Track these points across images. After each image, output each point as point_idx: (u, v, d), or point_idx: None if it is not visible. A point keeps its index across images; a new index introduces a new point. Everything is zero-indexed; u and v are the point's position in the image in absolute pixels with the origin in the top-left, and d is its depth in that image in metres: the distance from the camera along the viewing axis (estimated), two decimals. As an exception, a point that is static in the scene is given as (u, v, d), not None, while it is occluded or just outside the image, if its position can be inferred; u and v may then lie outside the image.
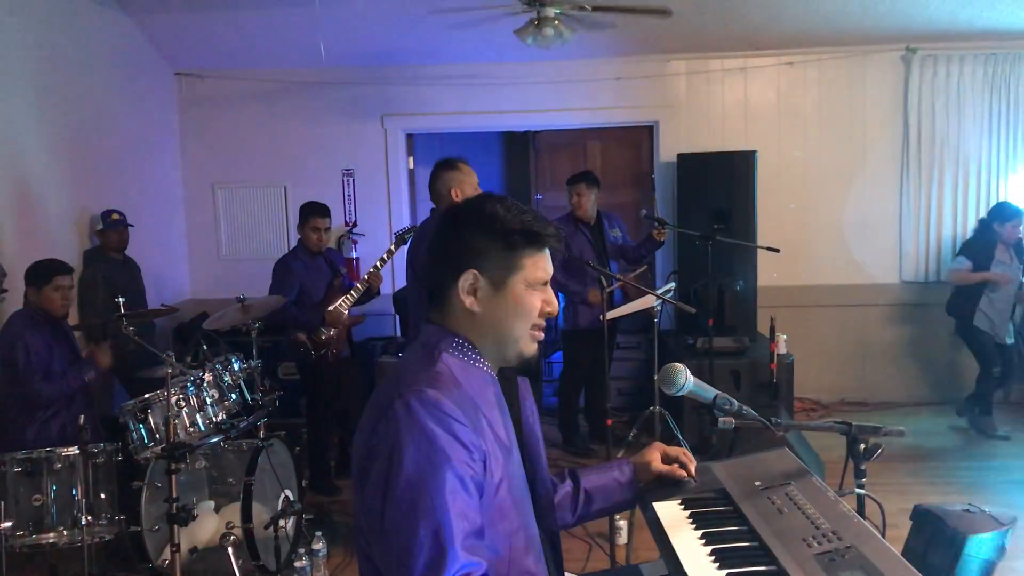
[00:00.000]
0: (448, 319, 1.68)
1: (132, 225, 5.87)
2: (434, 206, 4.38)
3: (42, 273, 4.39)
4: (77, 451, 3.97)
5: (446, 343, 1.65)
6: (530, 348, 1.71)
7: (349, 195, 7.27)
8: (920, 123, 6.93)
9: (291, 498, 4.33)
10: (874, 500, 1.92)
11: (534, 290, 1.68)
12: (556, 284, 5.85)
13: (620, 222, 6.28)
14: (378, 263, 5.27)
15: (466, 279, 1.64)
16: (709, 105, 7.12)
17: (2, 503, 3.86)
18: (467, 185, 4.08)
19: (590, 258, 5.75)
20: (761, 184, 6.63)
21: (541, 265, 1.68)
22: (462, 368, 1.63)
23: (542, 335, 1.73)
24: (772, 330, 5.71)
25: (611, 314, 5.08)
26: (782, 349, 6.02)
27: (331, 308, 5.27)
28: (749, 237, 6.30)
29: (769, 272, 6.66)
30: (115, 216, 5.74)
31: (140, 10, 6.28)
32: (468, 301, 1.64)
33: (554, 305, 1.72)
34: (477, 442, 1.54)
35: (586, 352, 5.98)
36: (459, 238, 1.66)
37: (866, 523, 1.74)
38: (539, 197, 7.57)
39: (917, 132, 6.93)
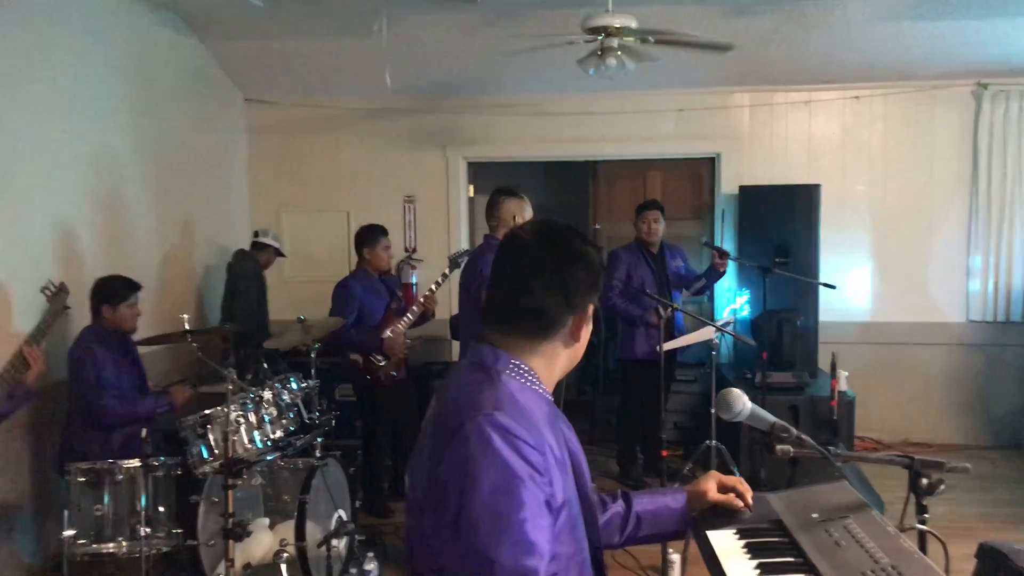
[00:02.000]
0: (535, 346, 1.67)
1: (285, 256, 6.55)
2: (490, 232, 4.42)
3: (120, 292, 4.53)
4: (138, 464, 4.05)
5: (503, 363, 1.64)
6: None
7: (409, 221, 7.36)
8: (991, 160, 6.78)
9: (344, 518, 4.36)
10: (936, 537, 1.87)
11: None
12: (614, 311, 5.86)
13: (683, 253, 6.26)
14: (433, 286, 5.36)
15: (586, 315, 1.69)
16: (772, 138, 7.08)
17: (66, 512, 3.96)
18: (528, 214, 4.13)
19: (651, 286, 5.74)
20: (824, 218, 6.55)
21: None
22: (519, 389, 1.62)
23: None
24: (833, 366, 5.62)
25: (668, 345, 5.05)
26: (843, 386, 5.89)
27: (389, 334, 5.35)
28: (811, 271, 6.21)
29: (831, 307, 6.55)
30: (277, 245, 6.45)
31: (214, 37, 6.47)
32: (584, 334, 1.70)
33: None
34: (546, 465, 1.53)
35: (643, 383, 5.94)
36: (578, 274, 1.65)
37: (929, 560, 1.70)
38: (597, 227, 7.57)
39: (987, 169, 6.79)
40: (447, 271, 5.45)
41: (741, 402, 1.90)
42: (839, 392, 5.70)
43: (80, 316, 4.65)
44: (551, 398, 1.70)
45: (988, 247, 6.83)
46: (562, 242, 1.67)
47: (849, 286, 6.60)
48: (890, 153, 6.96)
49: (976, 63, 6.52)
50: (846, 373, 5.98)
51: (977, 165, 6.81)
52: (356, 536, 4.51)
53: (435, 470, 1.51)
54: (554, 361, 1.70)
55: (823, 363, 6.19)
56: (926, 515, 1.88)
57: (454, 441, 1.49)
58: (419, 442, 1.64)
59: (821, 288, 6.16)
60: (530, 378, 1.65)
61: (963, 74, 6.69)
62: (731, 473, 5.52)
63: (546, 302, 1.64)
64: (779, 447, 1.86)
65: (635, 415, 6.10)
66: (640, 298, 5.75)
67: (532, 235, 1.67)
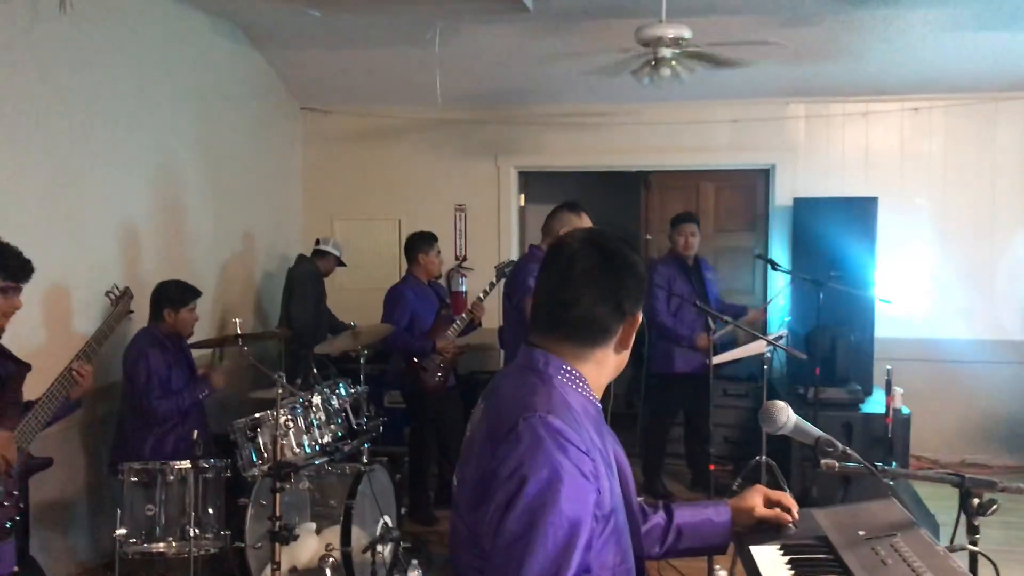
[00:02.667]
0: (585, 351, 1.68)
1: (346, 265, 6.67)
2: (539, 243, 4.44)
3: (182, 296, 4.63)
4: (189, 465, 4.12)
5: (555, 367, 1.65)
6: None
7: (460, 230, 7.40)
8: (1054, 174, 6.61)
9: (390, 524, 4.38)
10: (988, 559, 1.81)
11: None
12: (662, 329, 5.79)
13: (713, 268, 6.21)
14: (481, 295, 5.40)
15: (635, 322, 1.69)
16: (829, 149, 6.98)
17: (119, 511, 4.04)
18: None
19: (692, 300, 5.68)
20: (881, 232, 6.42)
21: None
22: (571, 393, 1.63)
23: None
24: (889, 383, 5.49)
25: (719, 359, 5.00)
26: (898, 403, 5.76)
27: (441, 337, 5.42)
28: (867, 285, 6.11)
29: (887, 322, 6.42)
30: (338, 253, 6.59)
31: (271, 47, 6.59)
32: (630, 343, 1.71)
33: None
34: (595, 471, 1.53)
35: (681, 398, 5.89)
36: (626, 283, 1.68)
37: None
38: (648, 237, 7.53)
39: (1051, 183, 6.61)
40: (494, 280, 5.48)
41: (785, 415, 1.86)
42: (894, 410, 5.57)
43: (139, 320, 4.75)
44: (600, 405, 1.71)
45: (1052, 263, 6.64)
46: (613, 250, 1.69)
47: (906, 301, 6.45)
48: (950, 166, 6.81)
49: (1040, 74, 6.36)
50: (901, 390, 5.85)
51: (1041, 179, 6.63)
52: (401, 543, 4.53)
53: (487, 466, 1.53)
54: (603, 367, 1.71)
55: (878, 379, 6.06)
56: (977, 535, 1.83)
57: (507, 440, 1.51)
58: (467, 443, 1.66)
59: (877, 303, 6.04)
60: (580, 384, 1.66)
61: (1026, 86, 6.53)
62: (781, 490, 5.43)
63: (598, 309, 1.65)
64: (824, 461, 1.83)
65: (665, 428, 6.02)
66: (685, 318, 5.71)
67: (582, 243, 1.69)
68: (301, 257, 6.42)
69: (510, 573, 1.43)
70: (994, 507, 1.82)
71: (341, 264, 6.63)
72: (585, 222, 4.29)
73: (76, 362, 3.76)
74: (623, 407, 7.11)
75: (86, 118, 4.78)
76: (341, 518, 4.21)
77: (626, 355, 1.74)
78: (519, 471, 1.47)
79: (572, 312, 1.66)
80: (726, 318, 4.40)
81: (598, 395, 1.72)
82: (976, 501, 1.83)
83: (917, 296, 6.77)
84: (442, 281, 6.67)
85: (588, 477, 1.50)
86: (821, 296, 5.24)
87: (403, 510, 4.78)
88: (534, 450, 1.48)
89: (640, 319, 1.71)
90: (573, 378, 1.66)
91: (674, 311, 5.80)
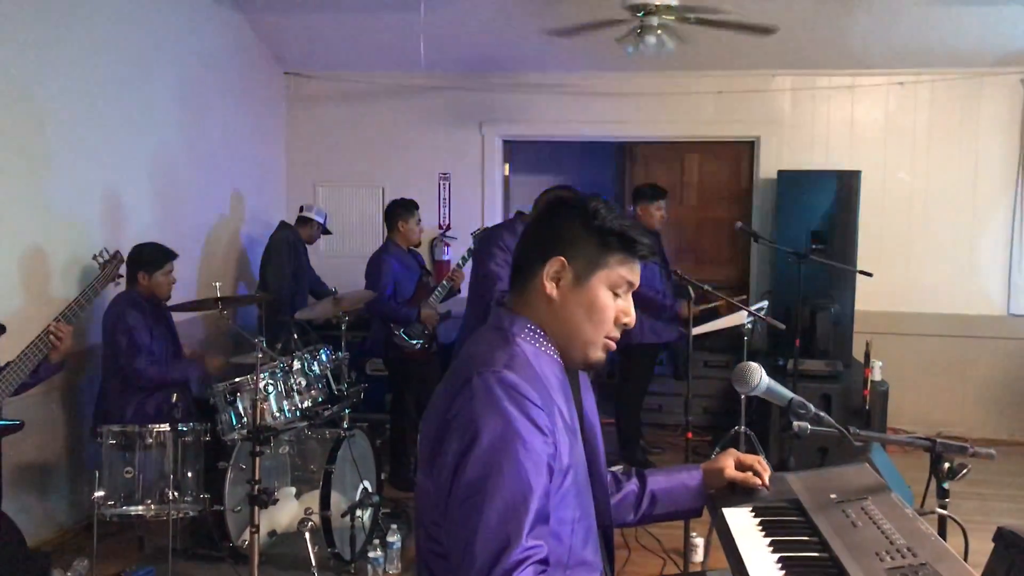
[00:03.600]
0: (525, 306, 1.69)
1: (331, 233, 6.66)
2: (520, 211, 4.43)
3: (157, 259, 4.58)
4: (168, 429, 4.11)
5: (519, 327, 1.66)
6: (598, 356, 1.71)
7: (444, 199, 7.37)
8: (1037, 150, 6.63)
9: (369, 489, 4.40)
10: (956, 522, 1.83)
11: (614, 295, 1.68)
12: (642, 300, 5.80)
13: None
14: (459, 262, 5.42)
15: (552, 264, 1.65)
16: (814, 123, 6.97)
17: (97, 473, 4.03)
18: None
19: (659, 275, 5.74)
20: (864, 206, 6.44)
21: (627, 272, 1.68)
22: (534, 353, 1.64)
23: (614, 346, 1.72)
24: (867, 356, 5.54)
25: (699, 330, 5.01)
26: (877, 376, 5.82)
27: (425, 304, 5.44)
28: (849, 259, 6.12)
29: (868, 296, 6.45)
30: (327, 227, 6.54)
31: (255, 10, 6.50)
32: (549, 287, 1.65)
33: (631, 316, 1.71)
34: (551, 426, 1.54)
35: (642, 367, 5.93)
36: (556, 225, 1.68)
37: (946, 544, 1.67)
38: (632, 209, 7.50)
39: (1034, 159, 6.64)
40: (472, 247, 5.49)
41: (758, 375, 1.87)
42: (872, 382, 5.63)
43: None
44: (561, 362, 1.70)
45: (1033, 239, 6.68)
46: (569, 200, 1.72)
47: (887, 275, 6.47)
48: (934, 141, 6.82)
49: (1026, 50, 6.37)
50: (880, 363, 5.90)
51: (1024, 155, 6.66)
52: (381, 508, 4.55)
53: (443, 420, 1.54)
54: (557, 325, 1.67)
55: (857, 352, 6.11)
56: (947, 499, 1.85)
57: (462, 393, 1.52)
58: (433, 398, 1.66)
59: (858, 276, 6.06)
60: (544, 343, 1.67)
61: (1012, 62, 6.53)
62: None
63: (522, 250, 1.71)
64: (796, 423, 1.84)
65: (639, 397, 6.06)
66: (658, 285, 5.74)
67: (553, 198, 1.77)
68: (282, 224, 6.38)
69: (469, 522, 1.44)
70: (964, 471, 1.83)
71: (327, 232, 6.59)
72: None
73: (54, 323, 3.73)
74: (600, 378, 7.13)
75: (65, 82, 4.72)
76: (320, 483, 4.22)
77: (568, 314, 1.66)
78: (473, 423, 1.48)
79: (517, 264, 1.72)
80: (707, 287, 4.39)
81: (564, 355, 1.70)
82: (947, 465, 1.85)
83: (898, 270, 6.80)
84: (422, 249, 6.67)
85: (543, 430, 1.51)
86: (802, 269, 5.26)
87: (384, 475, 4.79)
88: (487, 403, 1.49)
89: (565, 265, 1.65)
90: (537, 336, 1.66)
91: (646, 283, 5.80)
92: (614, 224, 1.67)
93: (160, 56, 5.59)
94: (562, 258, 1.65)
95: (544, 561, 1.46)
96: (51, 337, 3.70)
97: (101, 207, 5.05)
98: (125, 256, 4.35)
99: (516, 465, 1.45)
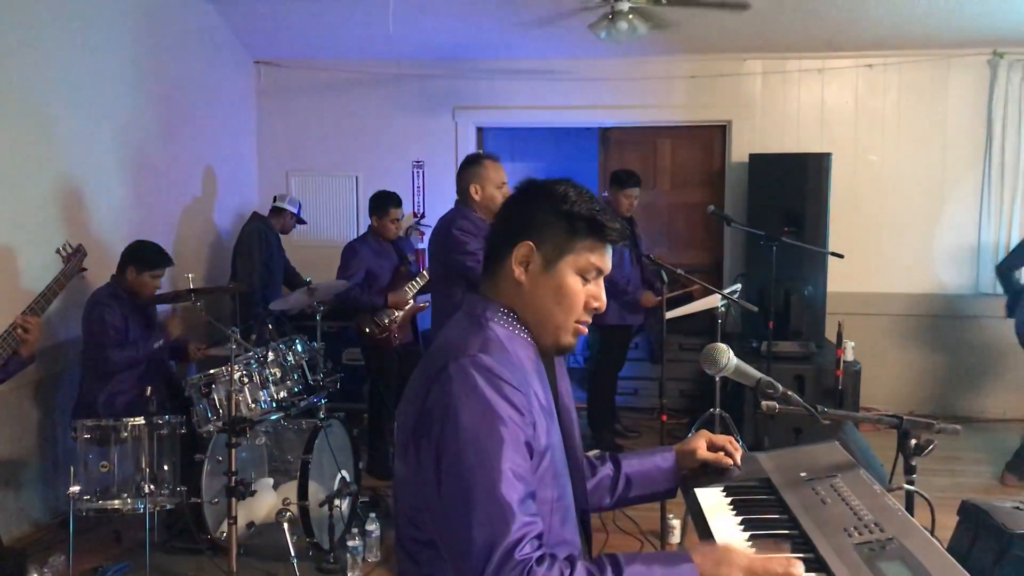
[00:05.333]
0: (495, 290, 1.70)
1: (305, 223, 6.54)
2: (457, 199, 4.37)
3: (152, 260, 4.56)
4: (143, 422, 4.10)
5: (491, 311, 1.67)
6: (569, 340, 1.71)
7: (419, 187, 7.35)
8: (1004, 131, 6.69)
9: (347, 479, 4.41)
10: (924, 497, 1.87)
11: (584, 281, 1.68)
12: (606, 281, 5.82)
13: (637, 224, 6.28)
14: None
15: (520, 249, 1.65)
16: (784, 106, 7.01)
17: (72, 468, 4.01)
18: (488, 182, 4.05)
19: (629, 260, 5.79)
20: (835, 188, 6.49)
21: (596, 257, 1.68)
22: (508, 336, 1.65)
23: (585, 330, 1.72)
24: (839, 336, 5.59)
25: (672, 313, 5.04)
26: (849, 356, 5.89)
27: (395, 292, 5.41)
28: (820, 241, 6.17)
29: (840, 277, 6.51)
30: (301, 218, 6.45)
31: (223, -1, 6.44)
32: (518, 271, 1.66)
33: (602, 301, 1.71)
34: (528, 407, 1.54)
35: (613, 349, 5.97)
36: (525, 210, 1.68)
37: (912, 518, 1.70)
38: (605, 194, 7.53)
39: (1001, 140, 6.71)
40: None
41: (726, 356, 1.90)
42: (845, 362, 5.68)
43: (98, 278, 4.68)
44: (534, 344, 1.70)
45: (1000, 219, 6.76)
46: (539, 185, 1.72)
47: (858, 256, 6.54)
48: (903, 123, 6.88)
49: (992, 32, 6.42)
50: (852, 343, 5.97)
51: (991, 136, 6.73)
52: (359, 497, 4.56)
53: (421, 407, 1.54)
54: (527, 309, 1.68)
55: (830, 333, 6.17)
56: (914, 476, 1.88)
57: (439, 380, 1.53)
58: (408, 387, 1.66)
59: (830, 258, 6.12)
60: (516, 326, 1.68)
61: (979, 43, 6.59)
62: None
63: (492, 237, 1.72)
64: (765, 403, 1.87)
65: (610, 380, 6.09)
66: (628, 275, 5.78)
67: (524, 182, 1.75)
68: (254, 215, 6.33)
69: (461, 507, 1.44)
70: (930, 447, 1.86)
71: (301, 222, 6.53)
72: (492, 169, 4.06)
73: (20, 316, 3.70)
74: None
75: (28, 71, 4.65)
76: (298, 473, 4.22)
77: (537, 299, 1.67)
78: (453, 408, 1.49)
79: (488, 250, 1.73)
80: (680, 272, 4.41)
81: (538, 340, 1.70)
82: (914, 442, 1.88)
83: (869, 252, 6.87)
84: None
85: (521, 410, 1.52)
86: (775, 251, 5.30)
87: (362, 465, 4.80)
88: (465, 387, 1.50)
89: (533, 249, 1.65)
90: (510, 320, 1.67)
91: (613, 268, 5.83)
92: (583, 209, 1.66)
93: (125, 46, 5.53)
94: (530, 243, 1.65)
95: (540, 536, 1.47)
96: (18, 331, 3.67)
97: (69, 201, 4.99)
98: (88, 250, 4.29)
99: (499, 445, 1.46)
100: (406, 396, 1.65)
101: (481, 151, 4.22)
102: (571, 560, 1.46)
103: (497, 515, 1.42)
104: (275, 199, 6.46)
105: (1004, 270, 5.81)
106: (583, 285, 1.68)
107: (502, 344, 1.61)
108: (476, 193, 4.05)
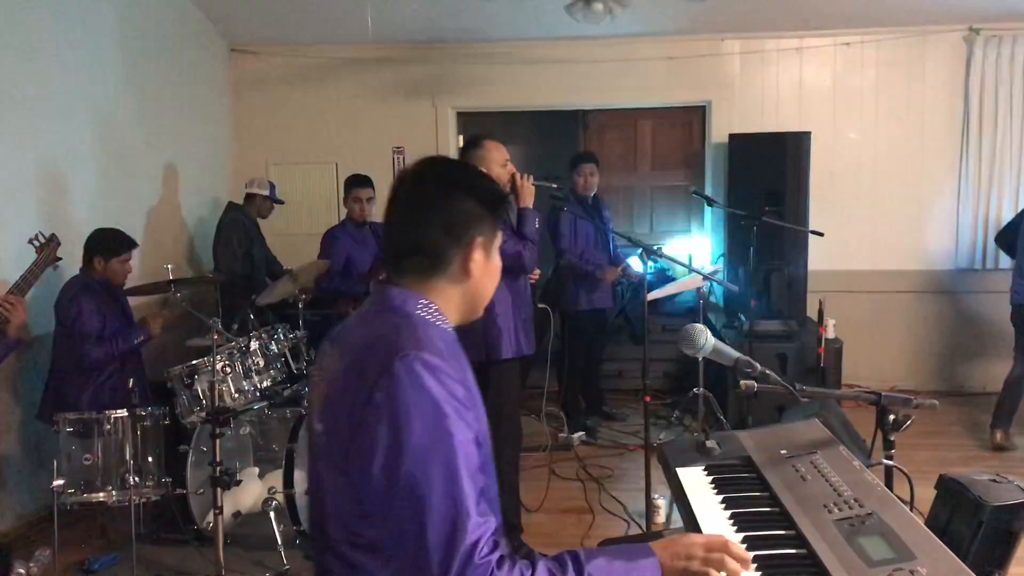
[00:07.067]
0: (426, 286, 1.64)
1: (283, 202, 6.46)
2: None
3: (115, 246, 4.51)
4: (126, 414, 4.08)
5: (411, 303, 1.61)
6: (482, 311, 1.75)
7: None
8: (982, 106, 6.74)
9: (332, 466, 4.40)
10: (902, 472, 1.89)
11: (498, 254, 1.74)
12: (572, 270, 5.84)
13: (607, 205, 6.29)
14: None
15: (474, 248, 1.63)
16: (763, 86, 7.02)
17: (55, 461, 4.00)
18: (492, 162, 4.05)
19: (594, 240, 5.85)
20: (815, 166, 6.51)
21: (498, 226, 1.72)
22: (430, 328, 1.60)
23: None
24: (821, 314, 5.64)
25: (654, 294, 5.07)
26: (831, 334, 5.92)
27: (375, 279, 5.39)
28: (801, 220, 6.20)
29: (820, 255, 6.54)
30: (265, 192, 6.32)
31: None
32: (475, 270, 1.63)
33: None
34: (474, 401, 1.53)
35: (585, 333, 6.02)
36: (460, 207, 1.63)
37: (892, 493, 1.72)
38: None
39: (978, 116, 6.75)
40: None
41: (704, 337, 1.91)
42: (826, 340, 5.73)
43: (72, 269, 4.64)
44: (454, 335, 1.67)
45: (978, 194, 6.81)
46: (444, 175, 1.67)
47: (838, 234, 6.58)
48: (881, 100, 6.91)
49: (968, 7, 6.45)
50: (834, 321, 6.00)
51: (968, 111, 6.77)
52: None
53: (360, 410, 1.47)
54: (450, 299, 1.65)
55: (812, 311, 6.21)
56: (892, 451, 1.90)
57: (382, 384, 1.45)
58: (326, 387, 1.60)
59: (810, 236, 6.15)
60: (438, 315, 1.63)
61: (955, 19, 6.62)
62: (719, 420, 5.58)
63: (428, 236, 1.62)
64: (743, 382, 1.88)
65: (582, 367, 6.13)
66: (591, 258, 5.83)
67: (413, 170, 1.67)
68: (230, 205, 6.27)
69: (416, 511, 1.41)
70: (908, 422, 1.88)
71: (278, 202, 6.46)
72: (493, 150, 4.02)
73: (2, 295, 3.67)
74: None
75: (3, 58, 4.60)
76: (283, 461, 4.21)
77: (480, 286, 1.67)
78: (403, 410, 1.43)
79: (407, 243, 1.64)
80: (656, 248, 4.41)
81: (467, 316, 1.70)
82: (892, 417, 1.90)
83: (849, 229, 6.90)
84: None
85: (468, 405, 1.49)
86: (756, 231, 5.32)
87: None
88: (414, 387, 1.44)
89: (488, 246, 1.65)
90: (432, 311, 1.62)
91: (580, 252, 5.86)
92: (498, 191, 1.70)
93: (99, 33, 5.47)
94: (480, 239, 1.64)
95: (496, 532, 1.45)
96: (1, 309, 3.64)
97: (43, 188, 4.94)
98: (64, 240, 4.25)
99: (452, 446, 1.43)
100: (332, 399, 1.57)
101: (477, 135, 4.21)
102: (531, 560, 1.44)
103: (453, 517, 1.40)
104: (246, 185, 6.40)
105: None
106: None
107: (430, 336, 1.55)
108: None
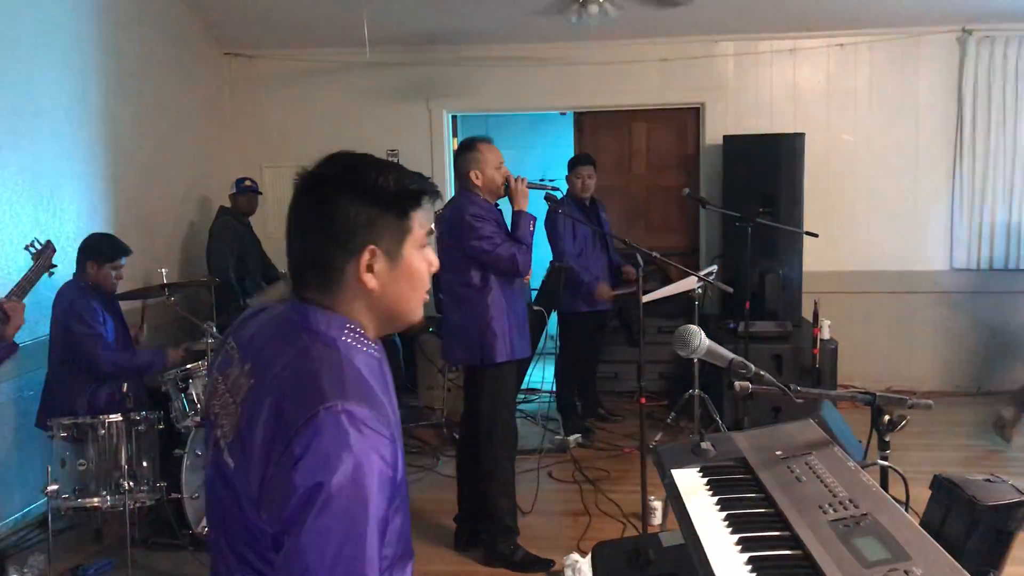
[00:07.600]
0: (333, 300, 1.50)
1: (261, 193, 6.47)
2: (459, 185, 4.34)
3: (108, 252, 4.48)
4: (120, 419, 4.06)
5: (337, 328, 1.48)
6: (419, 315, 1.60)
7: (394, 176, 7.30)
8: (975, 107, 6.75)
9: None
10: (897, 472, 1.89)
11: (421, 251, 1.55)
12: (571, 273, 5.83)
13: (604, 206, 6.28)
14: None
15: (365, 258, 1.47)
16: (757, 87, 7.03)
17: (49, 467, 3.98)
18: (487, 164, 4.05)
19: (591, 243, 5.85)
20: (809, 168, 6.51)
21: (426, 221, 1.54)
22: (357, 354, 1.48)
23: (428, 297, 1.59)
24: (816, 315, 5.64)
25: (649, 296, 5.05)
26: (826, 334, 5.93)
27: None
28: (795, 221, 6.20)
29: (815, 257, 6.55)
30: (247, 183, 6.35)
31: (190, -11, 6.37)
32: (370, 281, 1.48)
33: (436, 262, 1.59)
34: (396, 452, 1.41)
35: (581, 335, 6.01)
36: (346, 212, 1.46)
37: (887, 493, 1.72)
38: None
39: (972, 116, 6.76)
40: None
41: (698, 338, 1.91)
42: (822, 341, 5.73)
43: (67, 276, 4.62)
44: (380, 355, 1.56)
45: (973, 194, 6.82)
46: (333, 177, 1.50)
47: (833, 235, 6.59)
48: (875, 101, 6.92)
49: (961, 9, 6.46)
50: (829, 322, 6.01)
51: (962, 112, 6.78)
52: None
53: (281, 454, 1.35)
54: (361, 315, 1.51)
55: (807, 312, 6.21)
56: (887, 451, 1.90)
57: (304, 433, 1.34)
58: (232, 414, 1.47)
59: (805, 237, 6.16)
60: (364, 340, 1.51)
61: (948, 20, 6.64)
62: (715, 422, 5.58)
63: (315, 247, 1.48)
64: (738, 383, 1.88)
65: (574, 366, 6.12)
66: (589, 262, 5.83)
67: (309, 173, 1.51)
68: (221, 210, 6.29)
69: (318, 566, 1.31)
70: (903, 423, 1.88)
71: (254, 192, 6.42)
72: (488, 152, 4.05)
73: (3, 299, 3.66)
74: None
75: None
76: (278, 465, 4.19)
77: (391, 294, 1.52)
78: (324, 465, 1.32)
79: (299, 255, 1.50)
80: (655, 254, 4.40)
81: (390, 326, 1.57)
82: (887, 418, 1.89)
83: (844, 230, 6.91)
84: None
85: (390, 465, 1.38)
86: (750, 232, 5.33)
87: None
88: (337, 443, 1.33)
89: (376, 251, 1.47)
90: (357, 336, 1.50)
91: (577, 253, 5.86)
92: (399, 186, 1.50)
93: (93, 39, 5.46)
94: (371, 247, 1.47)
95: None
96: (2, 309, 3.63)
97: (39, 196, 4.93)
98: (57, 246, 4.24)
99: (366, 505, 1.33)
100: (251, 428, 1.42)
101: (474, 137, 4.20)
102: None
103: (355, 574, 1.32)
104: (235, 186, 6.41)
105: None
106: (424, 257, 1.55)
107: (357, 370, 1.44)
108: (477, 178, 4.06)
